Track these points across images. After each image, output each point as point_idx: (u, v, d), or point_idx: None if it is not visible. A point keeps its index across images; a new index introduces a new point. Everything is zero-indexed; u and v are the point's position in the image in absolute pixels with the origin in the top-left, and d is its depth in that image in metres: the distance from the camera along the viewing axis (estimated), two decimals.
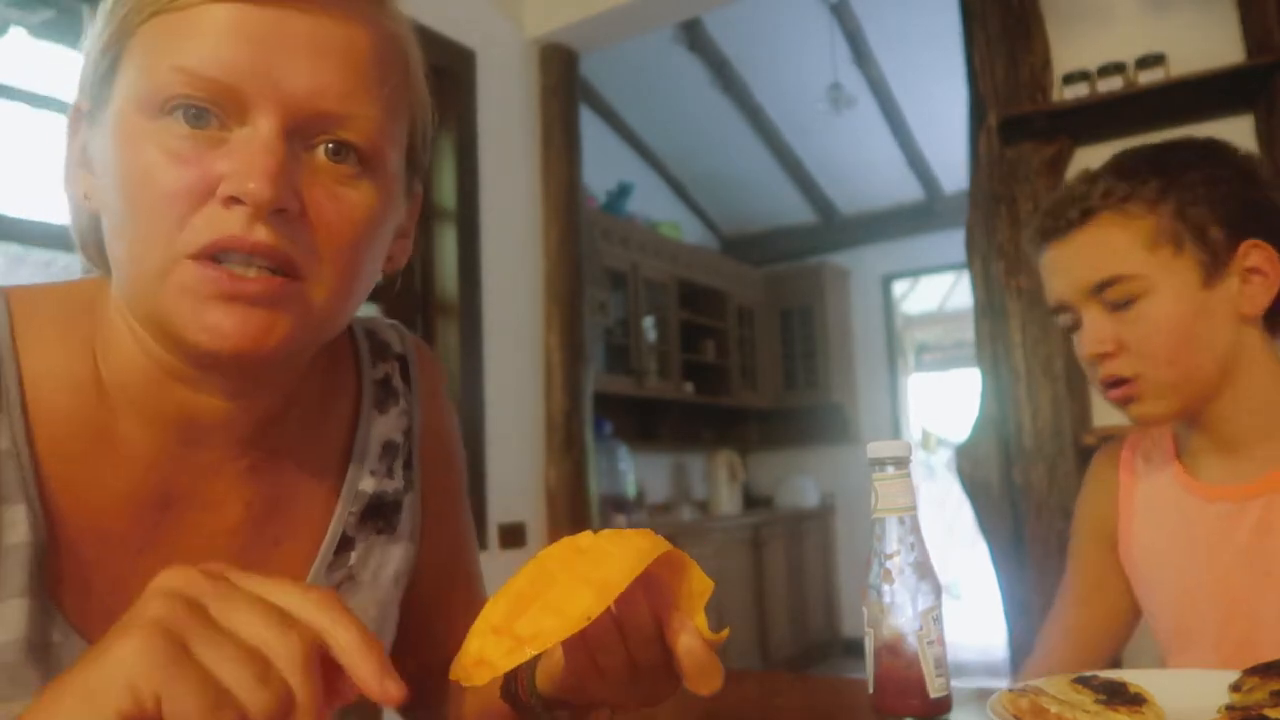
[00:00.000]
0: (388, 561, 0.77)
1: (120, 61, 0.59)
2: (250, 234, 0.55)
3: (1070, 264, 1.05)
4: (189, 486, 0.67)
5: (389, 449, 0.78)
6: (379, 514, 0.77)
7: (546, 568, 0.55)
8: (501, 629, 0.52)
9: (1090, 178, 1.06)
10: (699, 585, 0.59)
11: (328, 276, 0.59)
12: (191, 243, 0.55)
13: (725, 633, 0.59)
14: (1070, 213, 1.04)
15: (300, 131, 0.57)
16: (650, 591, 0.58)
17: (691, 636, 0.57)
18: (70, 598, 0.62)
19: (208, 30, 0.56)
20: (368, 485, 0.76)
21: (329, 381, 0.76)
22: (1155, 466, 1.13)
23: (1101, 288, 1.02)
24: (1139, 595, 1.13)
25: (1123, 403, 1.04)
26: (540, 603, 0.53)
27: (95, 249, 0.66)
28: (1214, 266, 0.99)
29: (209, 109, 0.56)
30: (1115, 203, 1.02)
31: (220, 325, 0.56)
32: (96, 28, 0.61)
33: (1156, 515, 1.11)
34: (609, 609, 0.56)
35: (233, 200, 0.55)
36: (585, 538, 0.57)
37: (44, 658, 0.59)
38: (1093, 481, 1.21)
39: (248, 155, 0.55)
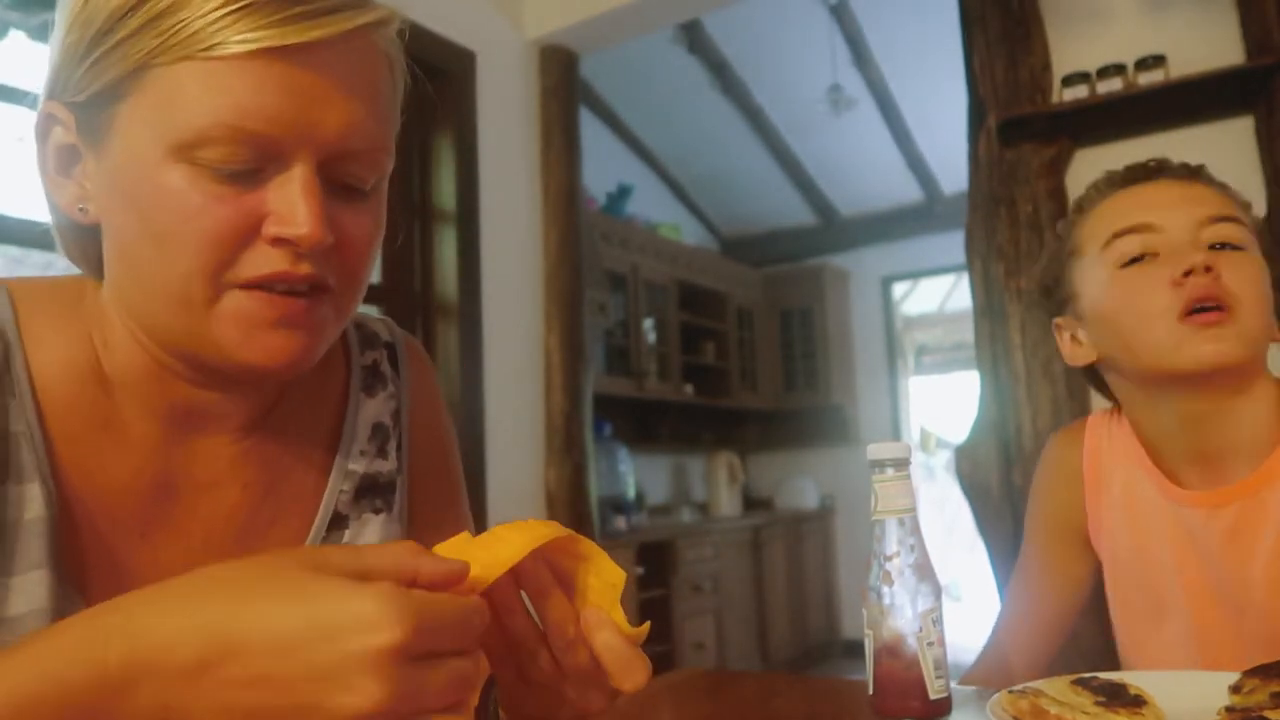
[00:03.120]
0: (384, 540, 0.78)
1: (131, 91, 0.59)
2: (297, 269, 0.60)
3: (1186, 198, 1.03)
4: (189, 471, 0.70)
5: (378, 430, 0.80)
6: (375, 493, 0.79)
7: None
8: None
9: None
10: (611, 577, 0.58)
11: (349, 289, 0.65)
12: (241, 276, 0.60)
13: (645, 627, 0.58)
14: (1196, 165, 1.05)
15: (327, 165, 0.61)
16: (570, 593, 0.57)
17: (609, 632, 0.57)
18: (81, 573, 0.64)
19: (249, 83, 0.57)
20: (358, 465, 0.78)
21: (320, 367, 0.78)
22: (1126, 463, 1.12)
23: (1219, 220, 1.00)
24: (1108, 580, 1.13)
25: (1206, 329, 0.97)
26: None
27: (80, 252, 0.69)
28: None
29: (250, 157, 0.58)
30: (1233, 193, 1.06)
31: (271, 346, 0.62)
32: (80, 37, 0.60)
33: (1131, 513, 1.10)
34: (531, 616, 0.56)
35: (281, 240, 0.59)
36: (488, 532, 0.56)
37: None
38: (1054, 468, 1.18)
39: (291, 199, 0.59)
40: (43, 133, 0.64)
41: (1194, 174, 1.04)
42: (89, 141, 0.62)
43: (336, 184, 0.62)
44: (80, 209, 0.64)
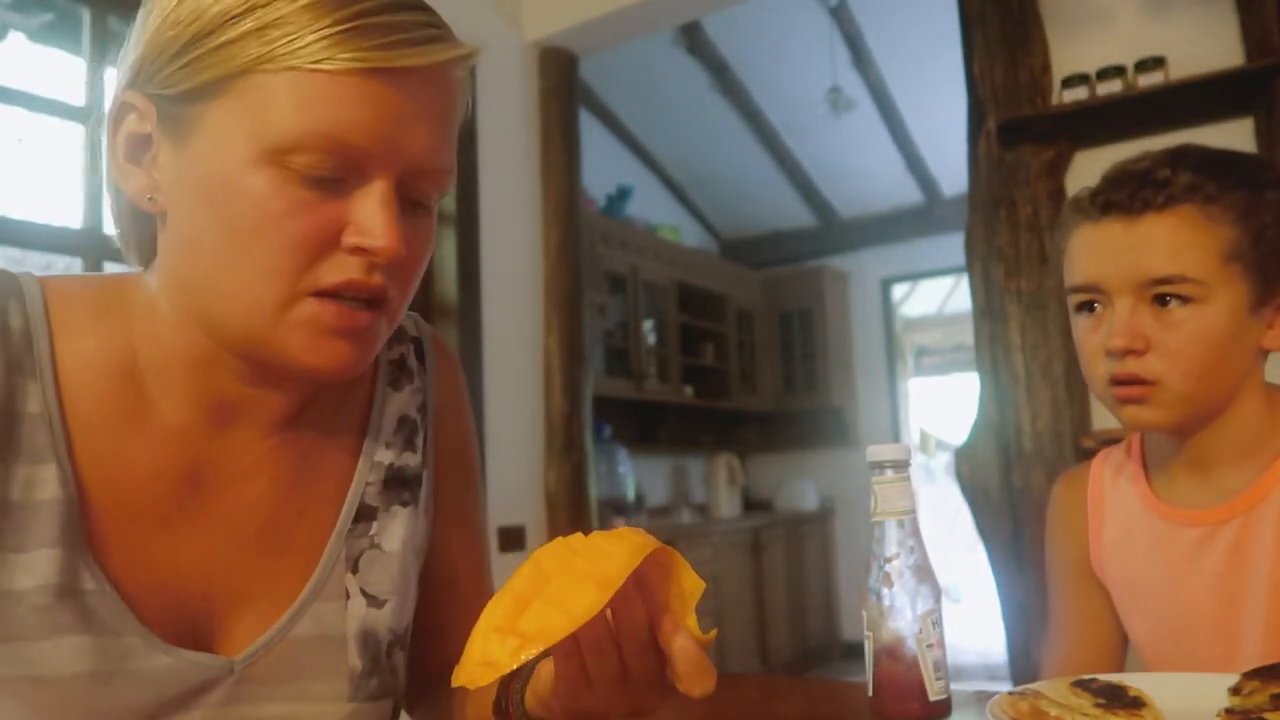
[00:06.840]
0: (412, 533, 0.79)
1: (225, 92, 0.61)
2: (370, 279, 0.64)
3: (1131, 248, 0.98)
4: (218, 463, 0.71)
5: (405, 423, 0.82)
6: (402, 486, 0.80)
7: (542, 567, 0.56)
8: (505, 628, 0.52)
9: (1166, 162, 0.99)
10: (690, 585, 0.59)
11: (404, 299, 0.70)
12: (317, 283, 0.63)
13: (713, 634, 0.59)
14: (1147, 193, 0.97)
15: (403, 182, 0.65)
16: (644, 593, 0.58)
17: (685, 638, 0.57)
18: (106, 555, 0.65)
19: (349, 98, 0.61)
20: (384, 457, 0.79)
21: None
22: (1124, 490, 1.12)
23: (1159, 283, 0.96)
24: (1121, 617, 1.13)
25: (1127, 402, 1.00)
26: (542, 599, 0.53)
27: (136, 241, 0.71)
28: (1265, 295, 0.98)
29: (337, 166, 0.62)
30: (1201, 200, 0.97)
31: (332, 353, 0.65)
32: (179, 35, 0.62)
33: (1129, 540, 1.10)
34: (605, 611, 0.56)
35: (360, 250, 0.63)
36: (577, 538, 0.57)
37: (77, 603, 0.63)
38: (1059, 513, 1.19)
39: (372, 211, 0.63)
40: (116, 120, 0.66)
41: (1154, 203, 0.97)
42: (169, 133, 0.64)
43: (406, 200, 0.66)
44: (149, 198, 0.66)
